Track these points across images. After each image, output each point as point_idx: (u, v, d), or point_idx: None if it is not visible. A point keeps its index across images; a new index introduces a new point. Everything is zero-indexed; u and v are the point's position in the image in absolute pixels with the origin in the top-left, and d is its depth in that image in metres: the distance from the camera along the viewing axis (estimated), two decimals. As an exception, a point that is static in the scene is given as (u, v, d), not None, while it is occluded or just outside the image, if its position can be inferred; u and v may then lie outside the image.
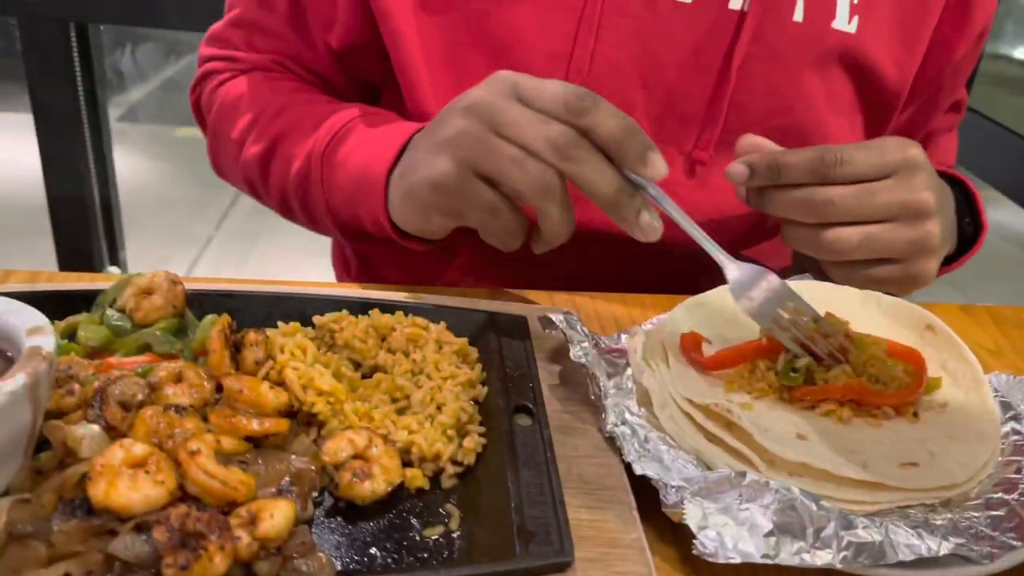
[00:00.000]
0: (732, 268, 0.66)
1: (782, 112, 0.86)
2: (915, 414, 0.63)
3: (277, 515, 0.48)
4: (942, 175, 0.81)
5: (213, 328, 0.61)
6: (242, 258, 3.21)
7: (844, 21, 0.84)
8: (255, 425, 0.54)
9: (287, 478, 0.51)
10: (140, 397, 0.55)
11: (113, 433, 0.53)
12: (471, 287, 0.81)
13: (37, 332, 0.51)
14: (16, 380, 0.47)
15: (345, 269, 1.13)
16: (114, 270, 2.34)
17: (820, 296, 0.71)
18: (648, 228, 0.65)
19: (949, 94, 0.97)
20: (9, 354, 0.52)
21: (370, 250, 1.05)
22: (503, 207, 0.67)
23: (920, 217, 0.72)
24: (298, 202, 0.87)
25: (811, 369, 0.64)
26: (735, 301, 0.66)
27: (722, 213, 0.89)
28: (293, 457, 0.53)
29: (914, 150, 0.73)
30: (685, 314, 0.71)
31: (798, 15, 0.83)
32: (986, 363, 0.74)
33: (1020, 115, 2.07)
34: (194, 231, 3.41)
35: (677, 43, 0.83)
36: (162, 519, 0.45)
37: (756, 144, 0.76)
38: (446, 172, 0.67)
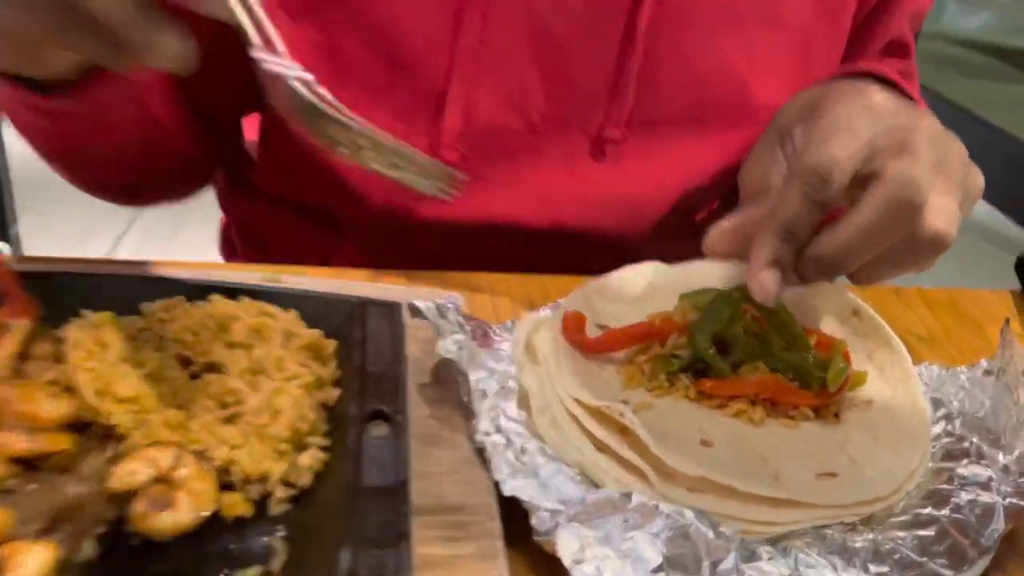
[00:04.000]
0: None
1: (698, 83, 0.77)
2: (836, 414, 0.55)
3: (30, 563, 0.37)
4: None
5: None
6: (172, 232, 3.02)
7: None
8: (23, 444, 0.43)
9: (55, 511, 0.41)
10: None
11: None
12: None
13: None
14: None
15: (231, 251, 1.01)
16: (2, 246, 2.16)
17: (735, 277, 0.63)
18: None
19: (882, 31, 0.88)
20: None
21: (254, 225, 0.93)
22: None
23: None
24: None
25: (705, 358, 0.55)
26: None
27: (641, 198, 0.80)
28: (72, 485, 0.42)
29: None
30: (583, 298, 0.62)
31: None
32: (917, 352, 0.66)
33: (968, 96, 2.02)
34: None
35: (572, 14, 0.73)
36: None
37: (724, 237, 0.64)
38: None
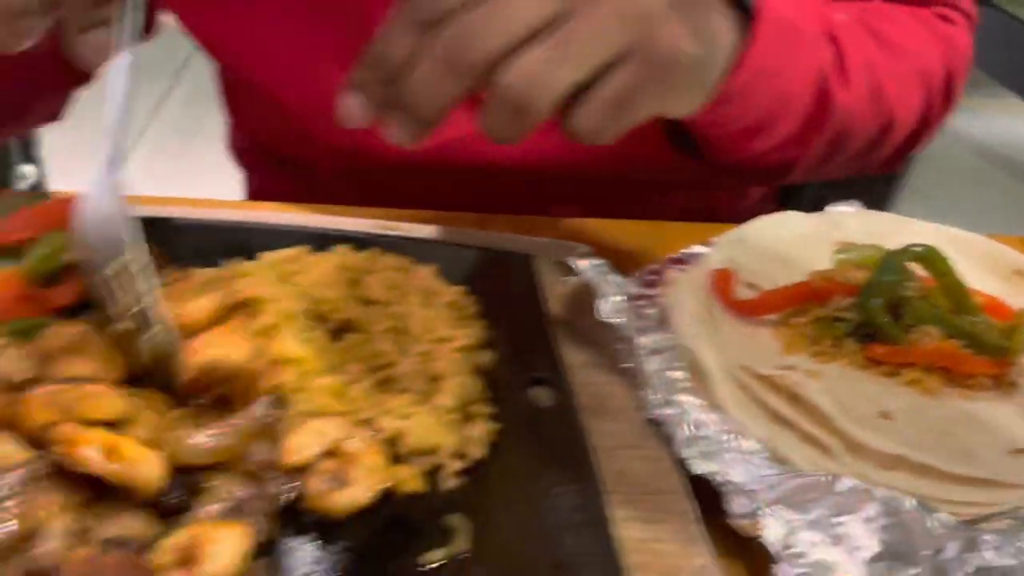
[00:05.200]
0: None
1: None
2: (1012, 383, 0.52)
3: (225, 548, 0.34)
4: None
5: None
6: (172, 166, 2.95)
7: None
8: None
9: (239, 491, 0.38)
10: (29, 374, 0.40)
11: (-11, 428, 0.38)
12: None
13: None
14: None
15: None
16: (28, 169, 2.10)
17: (886, 231, 0.59)
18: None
19: None
20: None
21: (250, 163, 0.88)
22: None
23: None
24: None
25: (877, 323, 0.52)
26: None
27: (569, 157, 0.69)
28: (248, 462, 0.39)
29: None
30: (722, 251, 0.58)
31: None
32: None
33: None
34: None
35: None
36: (53, 571, 0.31)
37: None
38: None
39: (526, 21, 0.40)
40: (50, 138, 2.20)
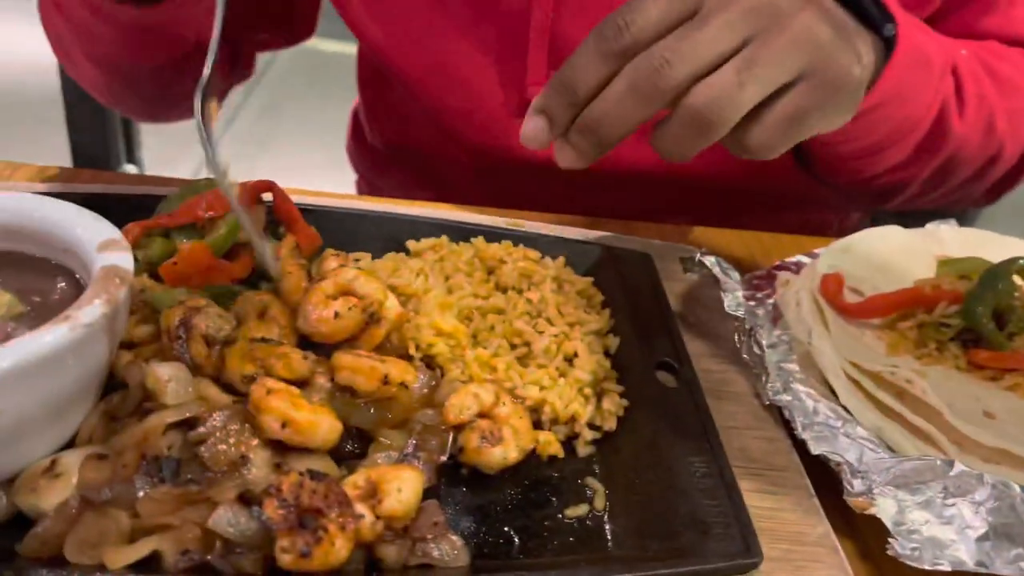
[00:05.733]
0: None
1: None
2: (1109, 392, 0.54)
3: (405, 489, 0.39)
4: None
5: (285, 250, 0.52)
6: (251, 163, 3.06)
7: None
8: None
9: (412, 440, 0.43)
10: (226, 331, 0.46)
11: (196, 372, 0.44)
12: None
13: (110, 247, 0.42)
14: (93, 309, 0.37)
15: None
16: (131, 168, 2.22)
17: (987, 246, 0.62)
18: None
19: None
20: (77, 274, 0.42)
21: (373, 179, 0.94)
22: None
23: (777, 13, 0.46)
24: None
25: (981, 330, 0.55)
26: None
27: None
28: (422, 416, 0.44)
29: None
30: (830, 259, 0.62)
31: None
32: None
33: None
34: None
35: None
36: (273, 491, 0.37)
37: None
38: None
39: (718, 50, 0.44)
40: (148, 141, 2.33)
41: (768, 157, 0.47)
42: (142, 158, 2.33)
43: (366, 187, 0.97)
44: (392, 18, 0.73)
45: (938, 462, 0.45)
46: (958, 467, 0.44)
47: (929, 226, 0.69)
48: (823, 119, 0.48)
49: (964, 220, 0.73)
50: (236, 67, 0.85)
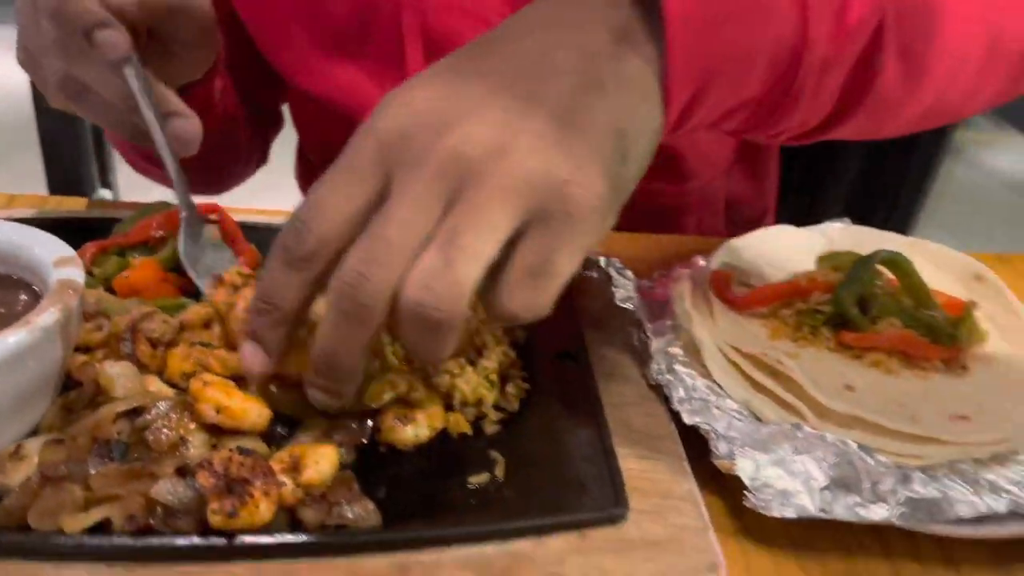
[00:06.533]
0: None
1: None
2: (963, 367, 0.62)
3: (322, 462, 0.46)
4: None
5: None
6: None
7: None
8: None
9: (334, 424, 0.49)
10: (170, 336, 0.53)
11: (143, 370, 0.51)
12: None
13: (65, 263, 0.48)
14: (48, 315, 0.44)
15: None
16: (105, 193, 2.28)
17: (866, 242, 0.69)
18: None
19: None
20: (35, 287, 0.49)
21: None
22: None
23: (468, 167, 0.38)
24: None
25: (847, 315, 0.62)
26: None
27: None
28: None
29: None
30: (724, 256, 0.69)
31: None
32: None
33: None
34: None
35: None
36: (205, 464, 0.43)
37: None
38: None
39: (415, 237, 0.37)
40: (124, 167, 2.39)
41: (538, 316, 0.41)
42: (116, 183, 2.40)
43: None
44: (290, 46, 0.78)
45: (788, 426, 0.52)
46: (805, 429, 0.51)
47: (821, 225, 0.77)
48: (579, 250, 0.40)
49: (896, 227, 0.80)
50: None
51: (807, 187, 1.30)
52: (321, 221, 0.40)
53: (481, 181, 0.38)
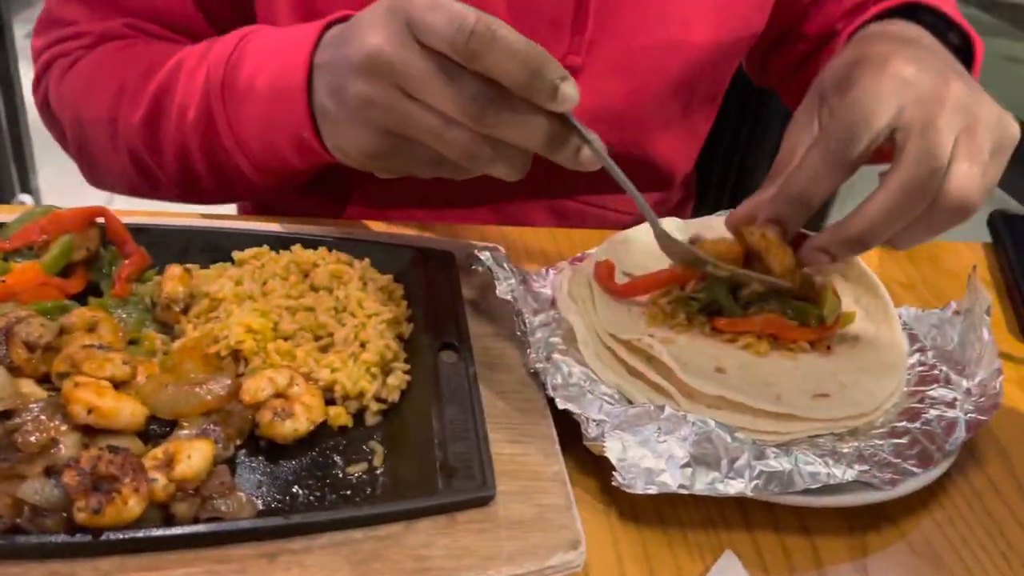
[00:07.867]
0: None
1: (656, 21, 0.81)
2: (828, 347, 0.65)
3: (195, 456, 0.47)
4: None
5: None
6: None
7: None
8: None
9: (213, 420, 0.51)
10: (47, 338, 0.53)
11: (17, 373, 0.51)
12: (391, 220, 0.79)
13: (-70, 270, 0.48)
14: (-92, 321, 0.44)
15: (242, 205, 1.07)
16: (25, 198, 2.23)
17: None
18: (587, 163, 0.57)
19: None
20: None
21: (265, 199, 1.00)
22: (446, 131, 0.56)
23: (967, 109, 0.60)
24: (202, 153, 0.74)
25: (719, 299, 0.65)
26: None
27: (604, 119, 0.82)
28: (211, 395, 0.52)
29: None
30: (610, 249, 0.72)
31: None
32: (898, 296, 0.77)
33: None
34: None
35: None
36: (72, 463, 0.44)
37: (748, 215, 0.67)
38: (374, 144, 0.60)
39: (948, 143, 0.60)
40: (46, 171, 2.34)
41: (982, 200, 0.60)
42: (38, 187, 2.34)
43: (253, 209, 1.01)
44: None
45: (652, 407, 0.54)
46: (667, 411, 0.54)
47: (705, 218, 0.80)
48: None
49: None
50: None
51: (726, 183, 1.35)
52: (860, 146, 0.60)
53: (977, 118, 0.59)
